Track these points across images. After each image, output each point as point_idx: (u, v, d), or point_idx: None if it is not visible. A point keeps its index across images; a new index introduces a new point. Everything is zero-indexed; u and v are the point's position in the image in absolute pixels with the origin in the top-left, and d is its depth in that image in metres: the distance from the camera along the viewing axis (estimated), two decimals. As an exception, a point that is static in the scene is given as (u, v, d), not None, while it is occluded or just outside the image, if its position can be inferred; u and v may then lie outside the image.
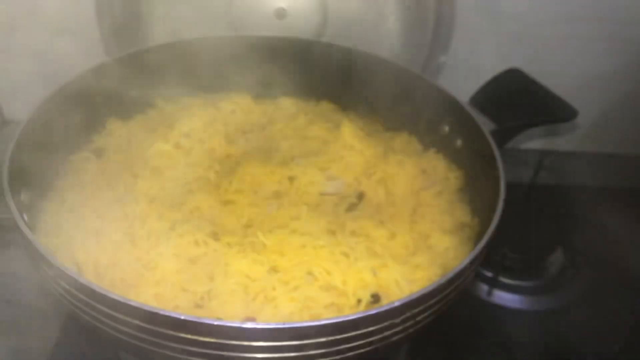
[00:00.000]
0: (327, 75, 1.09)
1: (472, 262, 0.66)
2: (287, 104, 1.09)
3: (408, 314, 0.60)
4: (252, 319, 0.68)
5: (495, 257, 0.98)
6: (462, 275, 0.65)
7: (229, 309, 0.69)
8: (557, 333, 0.95)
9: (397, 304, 0.58)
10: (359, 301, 0.71)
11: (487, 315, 0.98)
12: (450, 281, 0.63)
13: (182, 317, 0.55)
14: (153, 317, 0.57)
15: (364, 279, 0.73)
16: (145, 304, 0.56)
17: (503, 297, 0.99)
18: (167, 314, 0.56)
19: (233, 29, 1.17)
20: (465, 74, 1.23)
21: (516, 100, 0.96)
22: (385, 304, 0.59)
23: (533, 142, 1.38)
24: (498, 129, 0.91)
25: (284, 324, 0.56)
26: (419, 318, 0.62)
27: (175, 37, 1.14)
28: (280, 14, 1.15)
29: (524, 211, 1.10)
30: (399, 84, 1.02)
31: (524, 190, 1.19)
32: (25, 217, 0.76)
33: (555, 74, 1.21)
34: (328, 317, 0.57)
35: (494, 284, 0.99)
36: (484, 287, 0.99)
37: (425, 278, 0.74)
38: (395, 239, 0.81)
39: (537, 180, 1.20)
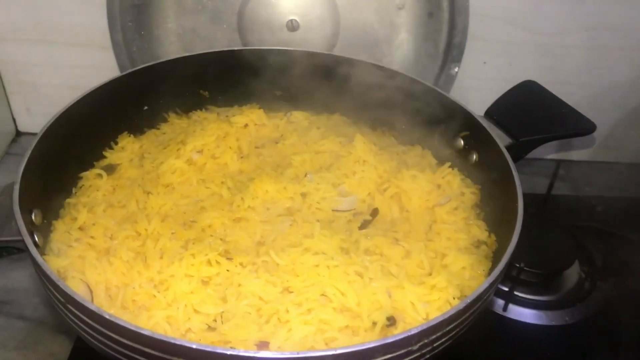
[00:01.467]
0: (338, 87, 1.07)
1: (491, 285, 0.64)
2: (299, 118, 1.08)
3: (425, 341, 0.59)
4: (266, 344, 0.67)
5: (511, 271, 0.97)
6: (481, 299, 0.63)
7: (241, 332, 0.68)
8: (574, 349, 0.93)
9: (414, 331, 0.57)
10: (374, 324, 0.70)
11: (502, 330, 0.96)
12: (469, 306, 0.61)
13: (194, 347, 0.55)
14: (165, 346, 0.56)
15: (379, 301, 0.71)
16: (156, 333, 0.56)
17: (519, 312, 0.97)
18: (179, 342, 0.55)
19: (244, 42, 1.16)
20: (478, 86, 1.23)
21: (532, 114, 0.94)
22: (402, 332, 0.57)
23: (547, 151, 1.36)
24: (514, 143, 0.89)
25: (298, 354, 0.55)
26: (436, 344, 0.61)
27: (187, 51, 1.14)
28: (292, 26, 1.14)
29: (539, 223, 1.08)
30: (412, 96, 1.01)
31: (539, 201, 1.17)
32: (36, 237, 0.76)
33: (570, 84, 1.20)
34: (343, 345, 0.56)
35: (509, 298, 0.97)
36: (500, 302, 0.98)
37: (442, 299, 0.72)
38: (410, 258, 0.80)
39: (553, 191, 1.18)
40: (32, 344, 0.91)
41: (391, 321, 0.70)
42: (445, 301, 0.72)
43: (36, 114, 1.30)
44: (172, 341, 0.55)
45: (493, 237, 0.85)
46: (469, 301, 0.62)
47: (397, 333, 0.57)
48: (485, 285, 0.63)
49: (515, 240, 0.70)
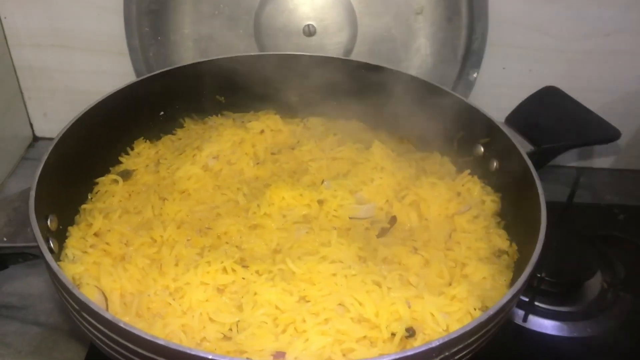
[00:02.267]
0: (356, 93, 1.06)
1: (513, 297, 0.62)
2: (316, 124, 1.07)
3: (447, 353, 0.57)
4: (282, 354, 0.66)
5: (531, 281, 0.95)
6: (503, 310, 0.61)
7: (258, 342, 0.67)
8: (596, 361, 0.91)
9: (435, 343, 0.56)
10: (393, 335, 0.68)
11: (522, 341, 0.94)
12: (491, 318, 0.60)
13: (210, 357, 0.53)
14: (180, 356, 0.55)
15: (398, 311, 0.70)
16: (172, 343, 0.55)
17: (539, 323, 0.95)
18: (194, 353, 0.54)
19: (261, 47, 1.15)
20: (497, 92, 1.21)
21: (555, 121, 0.92)
22: (422, 344, 0.56)
23: (567, 158, 1.34)
24: (536, 150, 0.88)
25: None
26: (457, 357, 0.59)
27: (203, 56, 1.14)
28: (309, 31, 1.13)
29: (560, 232, 1.06)
30: (430, 102, 0.99)
31: (559, 209, 1.14)
32: (51, 243, 0.75)
33: (591, 90, 1.18)
34: (361, 356, 0.54)
35: (530, 309, 0.95)
36: (520, 313, 0.96)
37: (463, 310, 0.71)
38: (429, 267, 0.78)
39: (574, 199, 1.16)
40: (46, 350, 0.91)
41: (410, 332, 0.68)
42: (465, 312, 0.71)
43: (53, 119, 1.31)
44: (188, 351, 0.54)
45: (514, 246, 0.83)
46: (491, 313, 0.60)
47: (418, 345, 0.56)
48: (508, 296, 0.62)
49: (539, 251, 0.68)
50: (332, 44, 1.15)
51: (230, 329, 0.70)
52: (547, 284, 0.96)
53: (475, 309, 0.71)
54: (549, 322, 0.95)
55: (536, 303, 0.96)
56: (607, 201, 1.24)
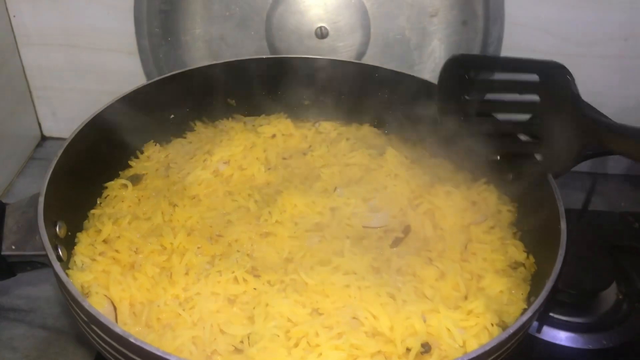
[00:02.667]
0: (368, 97, 1.05)
1: (534, 315, 0.61)
2: (328, 128, 1.06)
3: (464, 373, 0.56)
4: (295, 369, 0.64)
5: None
6: (523, 328, 0.60)
7: (270, 356, 0.66)
8: (611, 374, 0.90)
9: (453, 363, 0.54)
10: (408, 350, 0.67)
11: (536, 353, 0.92)
12: (511, 336, 0.58)
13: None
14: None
15: (413, 326, 0.68)
16: (183, 359, 0.53)
17: (553, 334, 0.93)
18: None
19: (272, 49, 1.14)
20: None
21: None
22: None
23: (581, 164, 1.32)
24: (554, 159, 0.85)
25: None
26: (475, 375, 0.58)
27: (214, 58, 1.12)
28: (321, 33, 1.12)
29: (574, 240, 1.03)
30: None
31: (573, 217, 1.12)
32: (60, 250, 0.74)
33: (604, 95, 1.15)
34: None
35: (544, 319, 0.93)
36: (534, 323, 0.94)
37: (480, 325, 0.69)
38: (445, 280, 0.77)
39: (589, 207, 1.14)
40: (53, 355, 0.90)
41: (426, 348, 0.67)
42: (482, 327, 0.69)
43: (62, 119, 1.30)
44: (200, 368, 0.53)
45: (532, 258, 0.81)
46: (511, 331, 0.58)
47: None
48: (529, 314, 0.60)
49: (559, 265, 0.66)
50: (344, 46, 1.13)
51: (242, 342, 0.69)
52: (561, 295, 0.94)
53: (492, 325, 0.69)
54: (563, 333, 0.93)
55: (550, 314, 0.94)
56: (622, 209, 1.22)
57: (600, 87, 1.18)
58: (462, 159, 0.94)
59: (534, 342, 0.92)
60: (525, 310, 0.71)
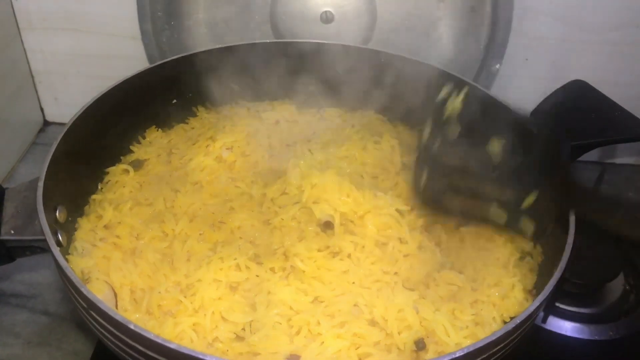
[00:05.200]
0: (373, 83, 1.03)
1: (540, 305, 0.60)
2: (333, 115, 1.04)
3: (468, 365, 0.55)
4: (297, 357, 0.63)
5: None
6: (529, 319, 0.59)
7: (271, 344, 0.65)
8: (617, 365, 0.89)
9: (459, 353, 0.53)
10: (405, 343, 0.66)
11: (542, 343, 0.91)
12: (516, 327, 0.57)
13: (223, 363, 0.51)
14: (191, 361, 0.53)
15: (415, 316, 0.67)
16: (183, 347, 0.53)
17: (560, 325, 0.92)
18: (207, 358, 0.52)
19: (277, 33, 1.12)
20: (518, 84, 1.17)
21: (583, 117, 0.88)
22: (444, 355, 0.53)
23: (589, 153, 1.29)
24: (563, 148, 0.84)
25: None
26: (480, 366, 0.57)
27: (217, 42, 1.11)
28: (327, 18, 1.10)
29: (582, 231, 1.02)
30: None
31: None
32: (60, 236, 0.73)
33: (618, 84, 1.13)
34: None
35: (550, 310, 0.92)
36: (539, 314, 0.93)
37: (485, 315, 0.68)
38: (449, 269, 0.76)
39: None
40: (55, 341, 0.90)
41: (420, 346, 0.65)
42: (489, 317, 0.68)
43: (64, 104, 1.29)
44: (200, 356, 0.52)
45: (539, 248, 0.80)
46: (517, 322, 0.57)
47: (438, 357, 0.53)
48: (536, 304, 0.59)
49: (568, 255, 0.65)
50: (350, 31, 1.11)
51: (243, 329, 0.68)
52: (568, 285, 0.93)
53: (498, 315, 0.68)
54: (569, 323, 0.92)
55: (557, 304, 0.93)
56: (630, 199, 1.20)
57: (609, 75, 1.16)
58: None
59: (539, 332, 0.92)
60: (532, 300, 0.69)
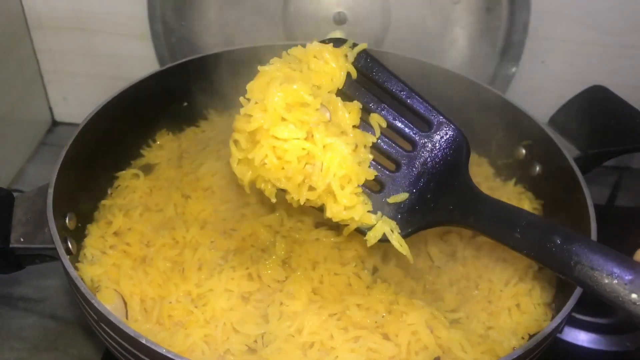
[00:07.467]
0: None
1: (562, 322, 0.58)
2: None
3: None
4: (311, 372, 0.62)
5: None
6: (551, 336, 0.57)
7: (284, 357, 0.63)
8: (636, 377, 0.87)
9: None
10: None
11: (557, 355, 0.89)
12: (539, 344, 0.55)
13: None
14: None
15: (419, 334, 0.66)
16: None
17: (576, 335, 0.90)
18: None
19: (289, 34, 1.10)
20: (535, 88, 1.15)
21: (603, 124, 0.86)
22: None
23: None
24: (582, 156, 0.82)
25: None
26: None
27: (229, 43, 1.09)
28: (340, 19, 1.08)
29: (599, 237, 1.00)
30: (465, 98, 0.94)
31: (598, 213, 1.08)
32: (69, 243, 0.72)
33: (635, 87, 1.11)
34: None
35: (566, 320, 0.90)
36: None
37: (507, 329, 0.66)
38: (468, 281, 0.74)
39: (615, 203, 1.10)
40: (63, 346, 0.89)
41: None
42: (510, 331, 0.66)
43: (73, 104, 1.27)
44: (213, 374, 0.51)
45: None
46: (539, 339, 0.56)
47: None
48: (557, 320, 0.57)
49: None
50: (363, 33, 1.10)
51: (255, 341, 0.67)
52: (585, 294, 0.91)
53: (518, 330, 0.67)
54: (585, 334, 0.90)
55: (573, 314, 0.91)
56: (650, 205, 1.18)
57: (627, 80, 1.14)
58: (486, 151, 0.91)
59: (555, 343, 0.89)
60: (553, 316, 0.68)
